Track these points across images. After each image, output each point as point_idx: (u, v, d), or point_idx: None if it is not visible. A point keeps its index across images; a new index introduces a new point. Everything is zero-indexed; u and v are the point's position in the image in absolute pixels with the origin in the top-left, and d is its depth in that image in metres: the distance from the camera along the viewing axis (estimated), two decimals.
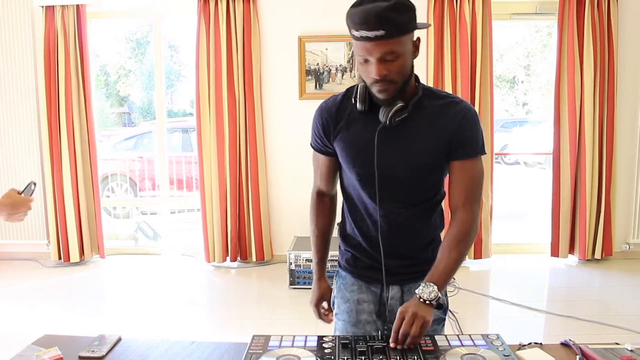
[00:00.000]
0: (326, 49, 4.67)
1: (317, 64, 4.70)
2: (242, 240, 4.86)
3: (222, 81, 4.63)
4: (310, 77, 4.72)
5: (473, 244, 4.70)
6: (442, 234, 1.67)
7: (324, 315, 1.75)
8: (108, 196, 6.95)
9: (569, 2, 4.47)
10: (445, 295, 1.64)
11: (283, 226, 4.91)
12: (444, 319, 1.64)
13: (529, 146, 10.90)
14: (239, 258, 4.90)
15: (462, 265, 4.74)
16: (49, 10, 4.66)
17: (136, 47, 11.61)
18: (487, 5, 4.48)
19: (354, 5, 1.36)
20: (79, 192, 4.85)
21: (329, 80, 4.71)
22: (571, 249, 4.79)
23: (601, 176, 4.62)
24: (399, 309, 1.37)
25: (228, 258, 4.87)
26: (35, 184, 1.98)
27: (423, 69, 4.59)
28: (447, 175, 1.57)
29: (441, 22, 4.49)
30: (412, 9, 1.35)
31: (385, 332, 1.47)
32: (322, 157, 1.65)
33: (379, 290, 1.64)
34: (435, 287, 1.39)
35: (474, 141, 1.50)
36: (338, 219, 1.78)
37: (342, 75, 4.69)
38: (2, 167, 4.99)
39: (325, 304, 1.75)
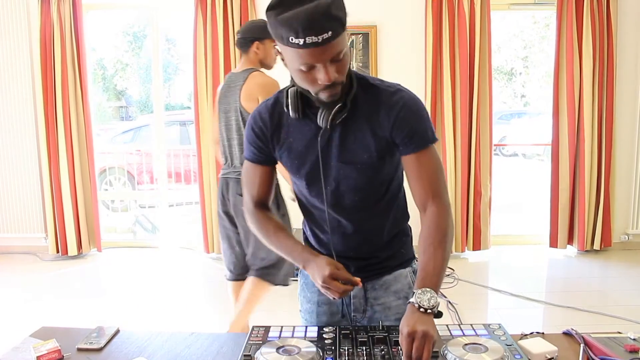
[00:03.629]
0: None
1: None
2: None
3: (219, 74, 4.60)
4: None
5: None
6: (410, 223, 1.60)
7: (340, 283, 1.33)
8: (106, 189, 6.94)
9: None
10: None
11: None
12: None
13: (527, 138, 10.90)
14: None
15: (461, 256, 4.77)
16: (45, 2, 4.62)
17: (133, 41, 11.57)
18: None
19: (279, 8, 1.18)
20: (76, 186, 4.84)
21: None
22: (570, 240, 4.79)
23: (600, 167, 4.62)
24: (404, 329, 1.19)
25: None
26: None
27: (422, 60, 4.57)
28: (402, 169, 1.47)
29: (439, 13, 4.46)
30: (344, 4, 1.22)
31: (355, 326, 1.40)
32: (259, 168, 1.51)
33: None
34: (433, 292, 1.23)
35: (420, 131, 1.36)
36: None
37: None
38: (0, 160, 4.98)
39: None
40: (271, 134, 1.45)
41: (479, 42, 4.48)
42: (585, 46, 4.45)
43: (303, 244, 1.52)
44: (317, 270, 1.35)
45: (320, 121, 1.35)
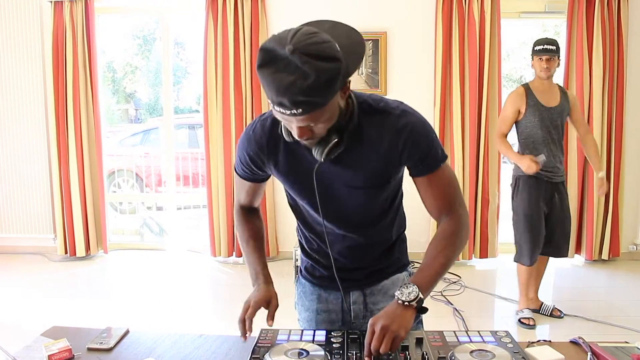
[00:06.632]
0: None
1: None
2: None
3: (229, 78, 4.63)
4: None
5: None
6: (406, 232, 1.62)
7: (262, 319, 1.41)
8: (114, 191, 6.97)
9: (578, 0, 4.44)
10: None
11: (288, 222, 4.89)
12: (419, 316, 1.50)
13: None
14: None
15: (468, 264, 4.76)
16: (58, 5, 4.67)
17: (143, 44, 11.62)
18: (496, 4, 4.46)
19: (267, 63, 1.09)
20: (85, 187, 4.87)
21: None
22: (578, 250, 4.77)
23: (609, 177, 4.59)
24: (370, 321, 1.25)
25: (234, 253, 4.88)
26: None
27: (431, 67, 4.58)
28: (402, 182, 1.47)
29: (449, 21, 4.47)
30: (337, 71, 1.11)
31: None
32: (247, 183, 1.53)
33: (340, 298, 1.56)
34: (416, 287, 1.27)
35: (429, 154, 1.34)
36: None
37: None
38: (11, 161, 5.02)
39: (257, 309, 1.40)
40: (267, 158, 1.42)
41: (489, 49, 4.48)
42: (595, 55, 4.44)
43: (265, 262, 1.54)
44: (254, 293, 1.44)
45: (315, 155, 1.29)
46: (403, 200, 1.56)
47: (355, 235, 1.48)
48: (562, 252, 3.59)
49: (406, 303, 1.26)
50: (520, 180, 3.47)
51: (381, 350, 1.20)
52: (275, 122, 1.37)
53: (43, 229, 5.09)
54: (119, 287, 4.44)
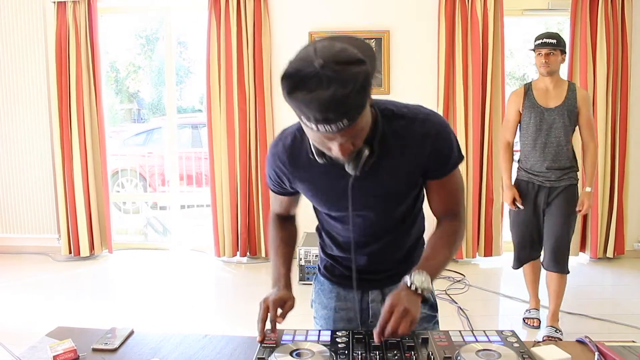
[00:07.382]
0: None
1: None
2: (251, 235, 4.86)
3: (232, 77, 4.63)
4: None
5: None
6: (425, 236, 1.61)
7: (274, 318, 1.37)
8: (118, 191, 6.98)
9: None
10: (432, 294, 1.57)
11: None
12: (436, 317, 1.58)
13: None
14: (248, 253, 4.90)
15: (472, 262, 4.75)
16: (61, 5, 4.68)
17: (145, 44, 11.62)
18: (498, 2, 4.45)
19: (297, 86, 1.06)
20: (89, 187, 4.88)
21: None
22: (582, 247, 4.76)
23: (613, 175, 4.58)
24: (389, 300, 1.26)
25: (238, 253, 4.88)
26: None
27: (434, 65, 4.57)
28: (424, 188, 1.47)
29: (452, 18, 4.46)
30: (368, 71, 1.09)
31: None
32: (280, 196, 1.56)
33: (358, 296, 1.56)
34: (429, 277, 1.29)
35: (450, 157, 1.35)
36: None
37: None
38: (14, 162, 5.03)
39: (279, 310, 1.39)
40: (291, 175, 1.43)
41: (492, 47, 4.46)
42: (599, 52, 4.42)
43: (290, 267, 1.53)
44: (272, 292, 1.42)
45: (349, 170, 1.28)
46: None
47: (377, 241, 1.49)
48: (548, 264, 3.32)
49: (419, 291, 1.28)
50: (514, 184, 3.46)
51: (400, 332, 1.22)
52: (296, 139, 1.38)
53: (47, 229, 5.10)
54: (124, 286, 4.45)
